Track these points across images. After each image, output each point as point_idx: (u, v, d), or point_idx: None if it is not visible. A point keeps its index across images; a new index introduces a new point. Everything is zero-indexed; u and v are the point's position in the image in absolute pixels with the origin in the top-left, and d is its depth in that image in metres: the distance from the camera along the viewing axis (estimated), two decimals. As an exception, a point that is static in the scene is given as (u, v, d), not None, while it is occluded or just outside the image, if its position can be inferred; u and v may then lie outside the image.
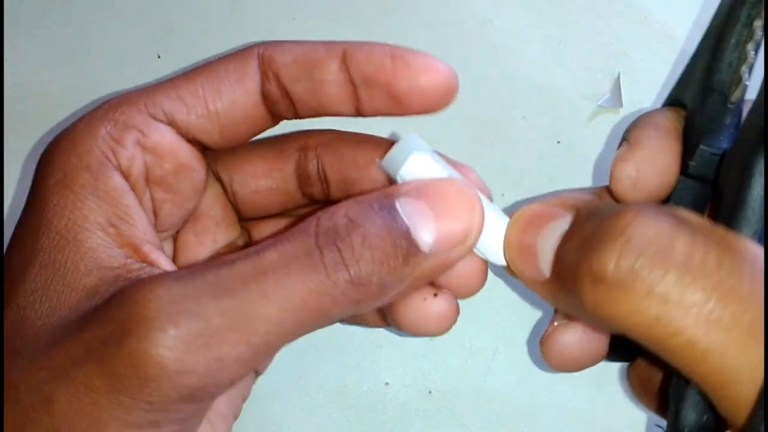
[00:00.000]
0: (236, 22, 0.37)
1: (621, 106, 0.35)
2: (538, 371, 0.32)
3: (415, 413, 0.31)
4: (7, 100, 0.35)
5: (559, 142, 0.35)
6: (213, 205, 0.25)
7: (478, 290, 0.22)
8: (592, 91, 0.36)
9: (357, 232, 0.18)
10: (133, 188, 0.21)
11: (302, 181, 0.25)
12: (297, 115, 0.23)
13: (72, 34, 0.36)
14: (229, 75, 0.22)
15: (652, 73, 0.36)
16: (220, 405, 0.24)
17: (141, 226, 0.21)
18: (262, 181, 0.25)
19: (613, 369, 0.31)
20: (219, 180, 0.25)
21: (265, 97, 0.22)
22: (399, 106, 0.22)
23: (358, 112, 0.22)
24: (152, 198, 0.22)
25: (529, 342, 0.32)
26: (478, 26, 0.37)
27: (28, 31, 0.36)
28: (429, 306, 0.22)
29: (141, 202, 0.21)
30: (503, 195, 0.34)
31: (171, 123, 0.22)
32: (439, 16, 0.37)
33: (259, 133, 0.23)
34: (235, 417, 0.26)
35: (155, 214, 0.22)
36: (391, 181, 0.22)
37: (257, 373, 0.27)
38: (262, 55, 0.22)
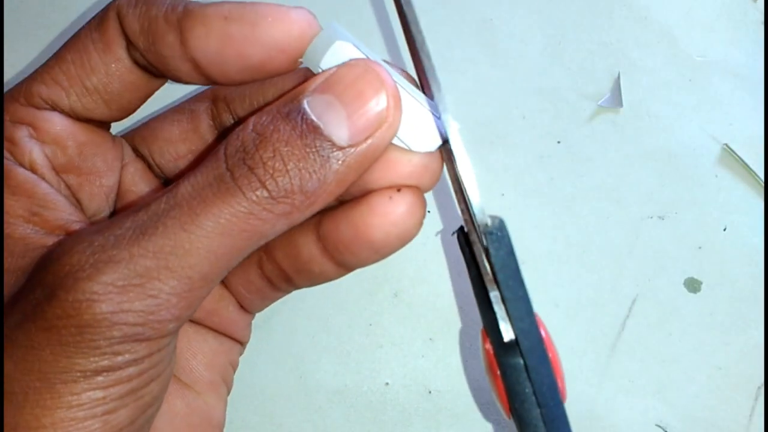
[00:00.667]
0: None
1: (621, 106, 0.35)
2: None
3: (415, 413, 0.31)
4: (7, 100, 0.35)
5: (559, 142, 0.35)
6: (136, 181, 0.24)
7: (437, 174, 0.21)
8: (592, 91, 0.36)
9: (265, 145, 0.18)
10: (44, 179, 0.21)
11: (223, 136, 0.24)
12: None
13: (72, 34, 0.36)
14: (96, 45, 0.21)
15: (652, 73, 0.36)
16: (203, 372, 0.24)
17: (65, 209, 0.20)
18: (181, 145, 0.24)
19: (613, 369, 0.31)
20: (140, 156, 0.24)
21: (135, 61, 0.21)
22: (258, 72, 0.20)
23: (217, 82, 0.21)
24: (67, 186, 0.22)
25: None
26: (478, 26, 0.37)
27: (28, 31, 0.36)
28: (396, 203, 0.20)
29: (59, 191, 0.21)
30: (503, 195, 0.34)
31: (55, 107, 0.21)
32: (439, 15, 0.37)
33: (150, 94, 0.22)
34: (228, 386, 0.26)
35: (77, 200, 0.22)
36: None
37: (242, 344, 0.27)
38: (119, 16, 0.21)
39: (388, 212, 0.20)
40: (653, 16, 0.37)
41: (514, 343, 0.20)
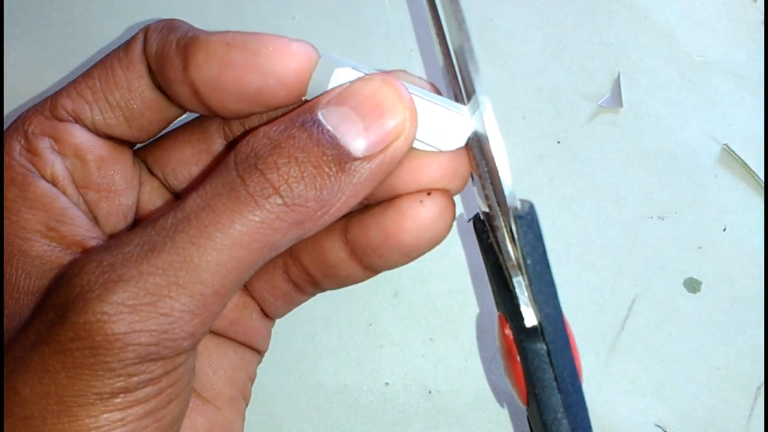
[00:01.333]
0: (236, 23, 0.37)
1: (621, 106, 0.35)
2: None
3: (415, 413, 0.31)
4: (7, 100, 0.35)
5: (559, 142, 0.35)
6: (154, 200, 0.24)
7: (466, 176, 0.21)
8: (592, 91, 0.36)
9: (279, 151, 0.17)
10: (64, 193, 0.21)
11: (232, 146, 0.23)
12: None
13: (72, 34, 0.36)
14: (121, 63, 0.21)
15: (652, 73, 0.36)
16: (223, 388, 0.24)
17: (83, 225, 0.20)
18: (194, 167, 0.23)
19: (613, 369, 0.31)
20: (155, 175, 0.24)
21: (154, 82, 0.21)
22: (256, 103, 0.20)
23: (214, 111, 0.21)
24: (86, 201, 0.22)
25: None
26: (478, 26, 0.37)
27: (28, 31, 0.36)
28: (427, 207, 0.20)
29: (78, 206, 0.21)
30: (503, 195, 0.34)
31: (78, 121, 0.21)
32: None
33: (171, 120, 0.22)
34: (246, 400, 0.26)
35: (94, 217, 0.22)
36: None
37: (261, 353, 0.26)
38: (144, 39, 0.21)
39: (420, 216, 0.20)
40: (653, 16, 0.37)
41: (537, 329, 0.20)
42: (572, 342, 0.20)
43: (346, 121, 0.18)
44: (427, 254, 0.34)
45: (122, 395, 0.17)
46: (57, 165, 0.21)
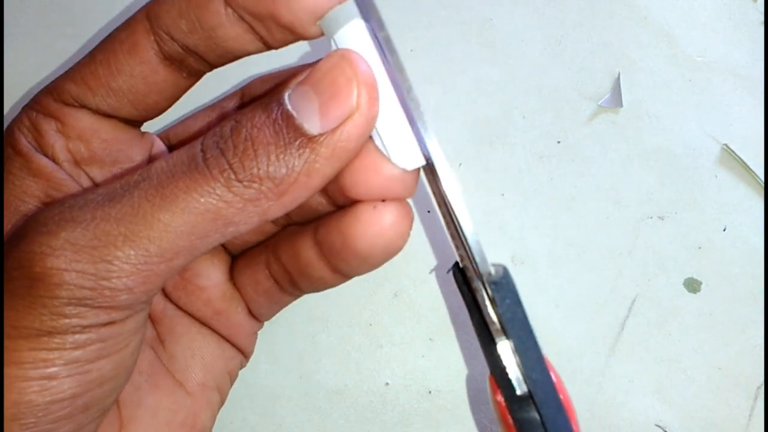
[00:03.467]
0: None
1: (621, 106, 0.35)
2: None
3: (415, 413, 0.31)
4: (7, 100, 0.35)
5: (559, 142, 0.35)
6: None
7: (411, 189, 0.21)
8: (592, 91, 0.36)
9: (239, 130, 0.18)
10: (64, 170, 0.22)
11: None
12: (211, 66, 0.22)
13: (72, 34, 0.36)
14: (123, 47, 0.21)
15: (652, 73, 0.36)
16: (197, 373, 0.24)
17: None
18: None
19: (613, 369, 0.31)
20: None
21: (169, 58, 0.21)
22: (296, 34, 0.20)
23: (268, 46, 0.21)
24: (90, 178, 0.22)
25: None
26: (478, 26, 0.37)
27: (28, 31, 0.36)
28: (381, 213, 0.21)
29: (78, 183, 0.22)
30: (503, 195, 0.34)
31: (82, 106, 0.22)
32: (440, 15, 0.37)
33: (178, 96, 0.23)
34: (222, 396, 0.26)
35: None
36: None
37: (244, 354, 0.27)
38: (149, 16, 0.21)
39: (373, 222, 0.21)
40: (653, 16, 0.37)
41: (528, 396, 0.20)
42: (565, 398, 0.20)
43: (304, 100, 0.18)
44: (428, 254, 0.34)
45: (49, 335, 0.17)
46: (57, 146, 0.22)
